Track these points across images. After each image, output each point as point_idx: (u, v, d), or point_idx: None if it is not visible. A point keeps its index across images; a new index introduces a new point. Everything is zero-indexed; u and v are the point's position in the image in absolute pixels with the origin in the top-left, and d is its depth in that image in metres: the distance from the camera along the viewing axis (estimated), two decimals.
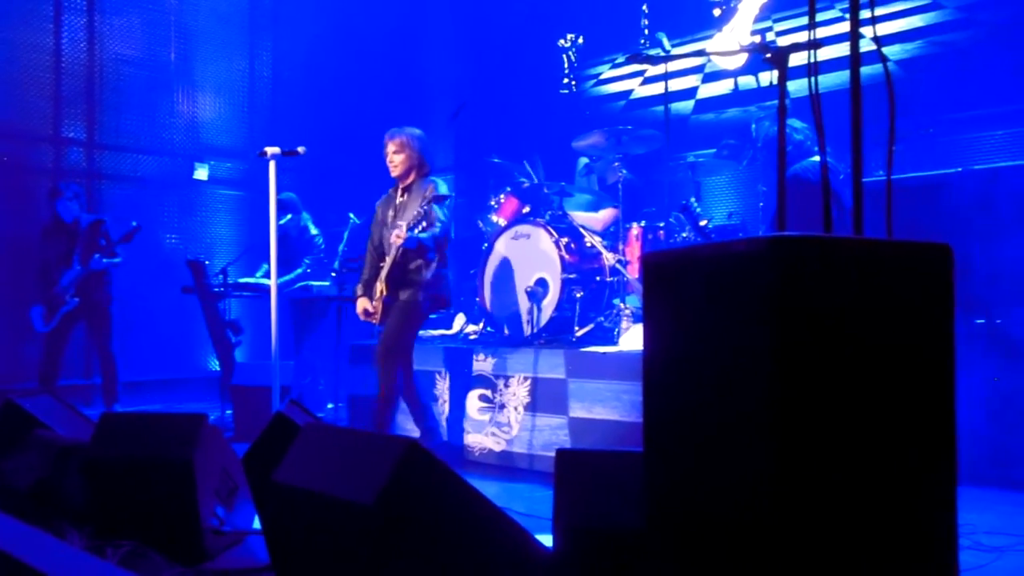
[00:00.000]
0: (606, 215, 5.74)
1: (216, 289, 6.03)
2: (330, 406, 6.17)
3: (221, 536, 3.05)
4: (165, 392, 7.34)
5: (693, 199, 4.93)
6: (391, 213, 4.58)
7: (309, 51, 8.42)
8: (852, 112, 1.75)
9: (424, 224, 4.34)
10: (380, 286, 4.46)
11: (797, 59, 2.18)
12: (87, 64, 7.45)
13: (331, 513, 2.28)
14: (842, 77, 1.97)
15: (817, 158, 4.20)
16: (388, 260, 4.41)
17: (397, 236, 4.26)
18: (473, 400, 4.87)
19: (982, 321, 4.19)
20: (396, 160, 4.53)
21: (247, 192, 8.26)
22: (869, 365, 1.42)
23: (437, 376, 5.04)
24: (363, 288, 4.63)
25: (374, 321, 4.57)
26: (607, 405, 4.30)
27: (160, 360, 7.52)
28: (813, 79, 1.82)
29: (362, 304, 4.59)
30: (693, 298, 1.53)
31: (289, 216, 6.08)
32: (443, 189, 4.45)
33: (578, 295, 4.94)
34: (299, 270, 6.01)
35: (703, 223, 4.99)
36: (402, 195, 4.58)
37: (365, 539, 2.15)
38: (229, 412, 5.73)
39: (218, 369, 6.34)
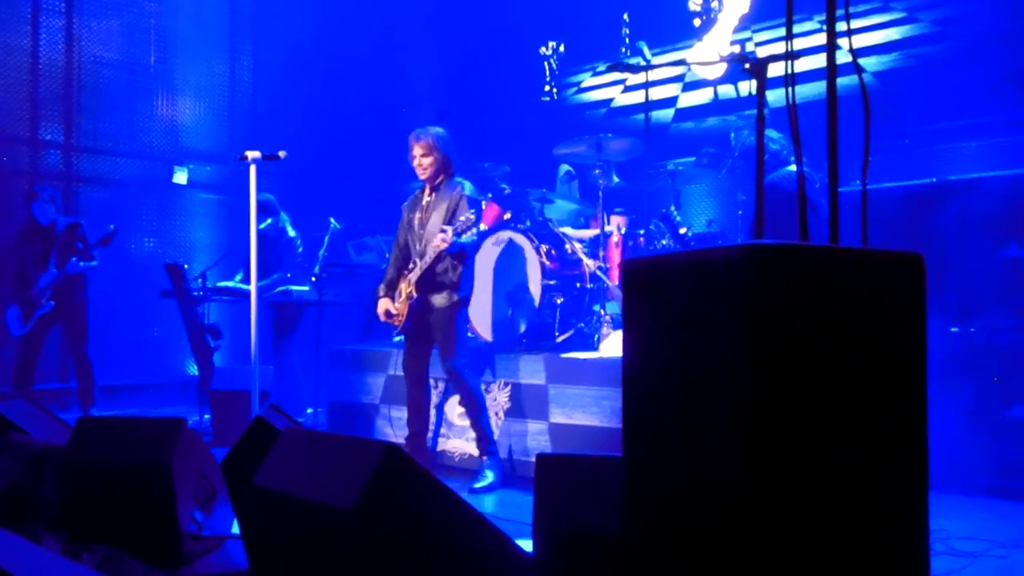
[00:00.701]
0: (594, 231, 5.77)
1: (195, 293, 5.99)
2: (310, 411, 6.14)
3: (199, 541, 3.03)
4: (143, 396, 7.28)
5: (673, 207, 4.98)
6: (418, 215, 4.56)
7: (290, 55, 8.40)
8: (828, 122, 1.78)
9: (467, 229, 4.31)
10: (408, 288, 4.44)
11: (776, 69, 2.22)
12: (65, 66, 7.40)
13: (310, 517, 2.27)
14: (820, 88, 2.01)
15: (793, 167, 4.25)
16: (421, 263, 4.39)
17: (443, 240, 4.23)
18: (453, 405, 4.87)
19: (956, 329, 4.26)
20: (425, 163, 4.49)
21: (227, 196, 8.22)
22: (843, 372, 1.44)
23: None
24: (385, 289, 4.61)
25: (396, 323, 4.54)
26: (587, 411, 4.32)
27: (138, 364, 7.46)
28: (790, 89, 1.85)
29: (384, 305, 4.57)
30: (671, 305, 1.55)
31: (269, 220, 6.05)
32: (470, 190, 4.49)
33: (559, 301, 4.96)
34: (276, 276, 5.99)
35: (683, 231, 5.03)
36: (429, 196, 4.55)
37: (344, 543, 2.15)
38: (208, 417, 5.69)
39: (197, 373, 6.30)
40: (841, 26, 1.92)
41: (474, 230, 4.34)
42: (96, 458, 2.99)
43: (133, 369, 7.36)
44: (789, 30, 1.86)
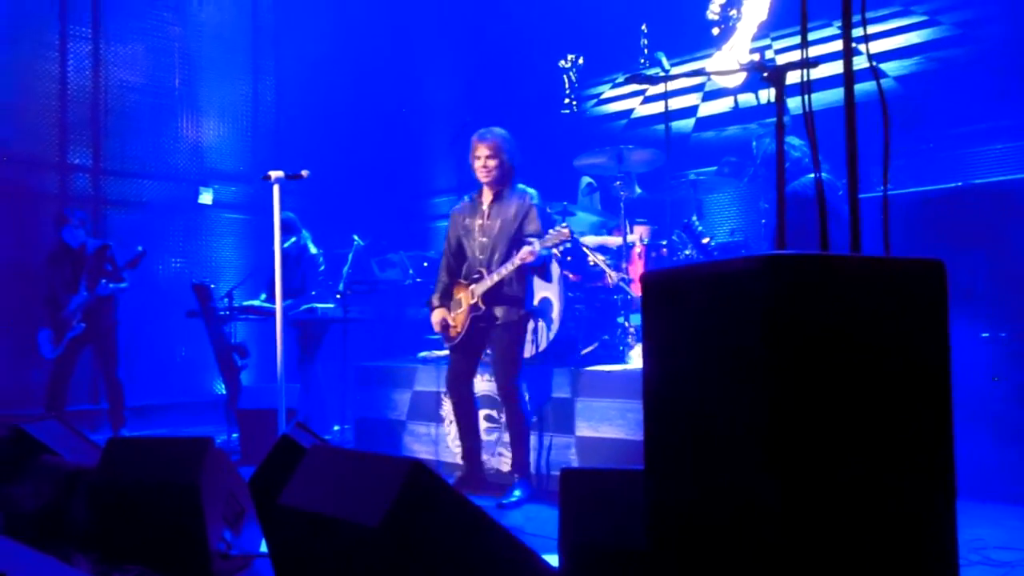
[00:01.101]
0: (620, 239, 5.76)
1: (221, 312, 6.05)
2: (337, 428, 6.17)
3: (228, 560, 3.05)
4: (171, 416, 7.35)
5: (695, 217, 4.96)
6: (479, 221, 4.37)
7: (311, 74, 8.49)
8: (847, 129, 1.77)
9: (559, 244, 4.18)
10: (470, 299, 4.28)
11: (795, 76, 2.21)
12: (92, 91, 7.53)
13: (337, 536, 2.28)
14: (841, 94, 1.99)
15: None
16: (495, 273, 4.21)
17: (531, 253, 4.05)
18: (480, 420, 4.86)
19: (987, 335, 4.19)
20: (491, 165, 4.28)
21: (252, 215, 8.31)
22: (866, 381, 1.43)
23: (443, 397, 5.04)
24: (440, 298, 4.44)
25: (452, 335, 4.38)
26: (614, 423, 4.30)
27: (166, 384, 7.54)
28: (807, 97, 1.84)
29: (440, 315, 4.40)
30: (691, 316, 1.54)
31: (293, 239, 6.11)
32: (539, 200, 4.34)
33: (582, 314, 4.95)
34: (299, 298, 6.02)
35: (705, 240, 5.00)
36: (493, 201, 4.36)
37: (371, 562, 2.16)
38: (236, 435, 5.74)
39: (224, 393, 6.35)
40: (859, 31, 1.91)
41: (563, 246, 4.26)
42: (126, 479, 3.03)
43: (162, 389, 7.45)
44: (804, 37, 1.86)
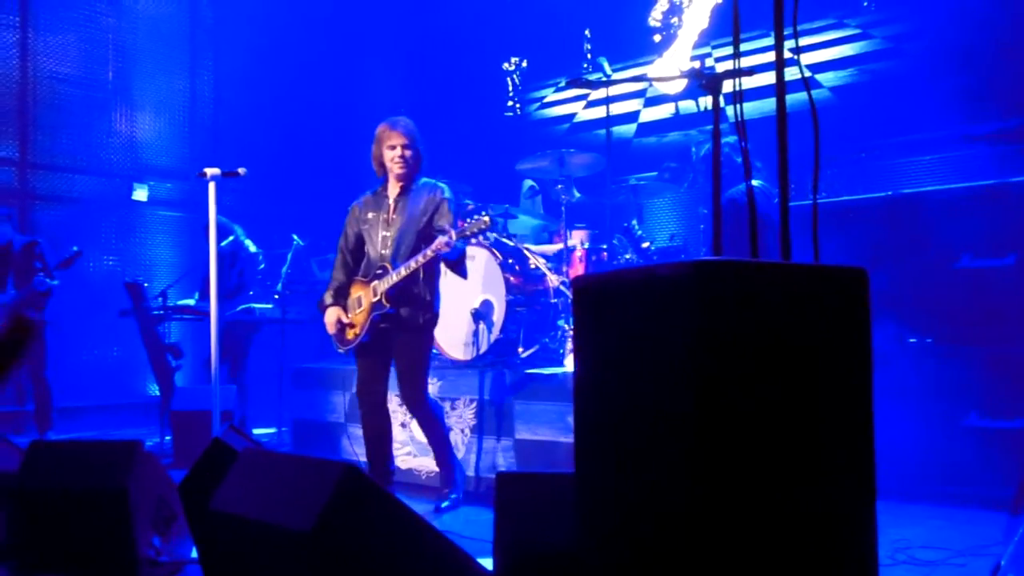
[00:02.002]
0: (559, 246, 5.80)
1: (155, 312, 5.91)
2: (273, 430, 6.07)
3: (157, 567, 2.97)
4: (103, 418, 7.15)
5: (635, 221, 5.01)
6: (383, 215, 4.02)
7: (251, 70, 8.35)
8: (779, 138, 1.81)
9: (478, 233, 3.87)
10: (371, 297, 3.89)
11: (733, 84, 2.25)
12: (20, 81, 7.28)
13: (268, 541, 2.24)
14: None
15: (756, 181, 4.29)
16: (405, 268, 3.83)
17: (446, 244, 3.69)
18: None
19: (914, 340, 4.32)
20: (407, 155, 3.96)
21: (188, 213, 8.13)
22: (789, 385, 1.46)
23: None
24: (334, 296, 4.07)
25: (350, 337, 4.00)
26: (553, 426, 4.32)
27: (97, 385, 7.33)
28: (738, 106, 1.88)
29: (335, 314, 4.02)
30: (620, 321, 1.56)
31: (231, 238, 6.00)
32: (451, 195, 4.04)
33: (523, 317, 4.97)
34: (238, 299, 5.91)
35: (645, 245, 5.06)
36: (400, 195, 4.02)
37: (303, 567, 2.12)
38: (169, 438, 5.60)
39: (157, 394, 6.20)
40: (800, 42, 1.95)
41: (482, 237, 3.98)
42: (49, 484, 2.93)
43: (92, 390, 7.23)
44: (736, 48, 1.89)
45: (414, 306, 3.93)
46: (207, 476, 2.75)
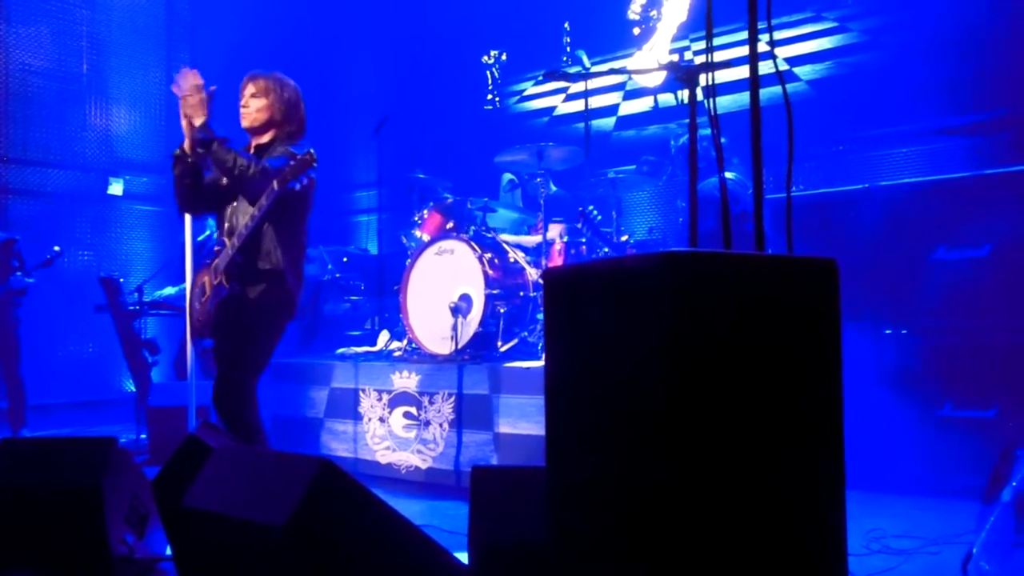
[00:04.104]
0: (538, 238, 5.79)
1: (131, 307, 5.86)
2: None
3: (131, 564, 2.94)
4: (78, 415, 7.08)
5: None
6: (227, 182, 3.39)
7: (228, 63, 8.25)
8: (752, 130, 1.81)
9: (300, 172, 3.14)
10: (215, 279, 3.35)
11: (718, 76, 2.25)
12: None
13: (242, 537, 2.22)
14: (760, 94, 2.02)
15: (731, 174, 4.31)
16: (231, 241, 3.30)
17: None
18: (398, 417, 4.82)
19: (889, 331, 4.36)
20: (252, 106, 3.42)
21: (164, 207, 8.05)
22: (759, 375, 1.47)
23: (361, 394, 4.99)
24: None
25: (203, 337, 3.50)
26: (532, 420, 4.31)
27: (73, 381, 7.26)
28: (711, 100, 1.88)
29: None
30: (591, 313, 1.56)
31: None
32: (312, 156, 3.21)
33: (502, 310, 4.96)
34: None
35: (624, 238, 5.06)
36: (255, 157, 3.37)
37: (277, 563, 2.11)
38: (144, 435, 5.56)
39: (133, 390, 6.15)
40: (775, 35, 1.95)
41: (307, 180, 3.16)
42: (20, 482, 2.88)
43: (67, 387, 7.16)
44: (709, 42, 1.89)
45: (263, 281, 3.33)
46: (181, 473, 2.72)
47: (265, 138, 3.47)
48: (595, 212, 4.90)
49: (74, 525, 2.82)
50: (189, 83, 3.25)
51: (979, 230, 4.16)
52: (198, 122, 3.22)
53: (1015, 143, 5.18)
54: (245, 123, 3.47)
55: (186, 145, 3.33)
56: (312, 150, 3.22)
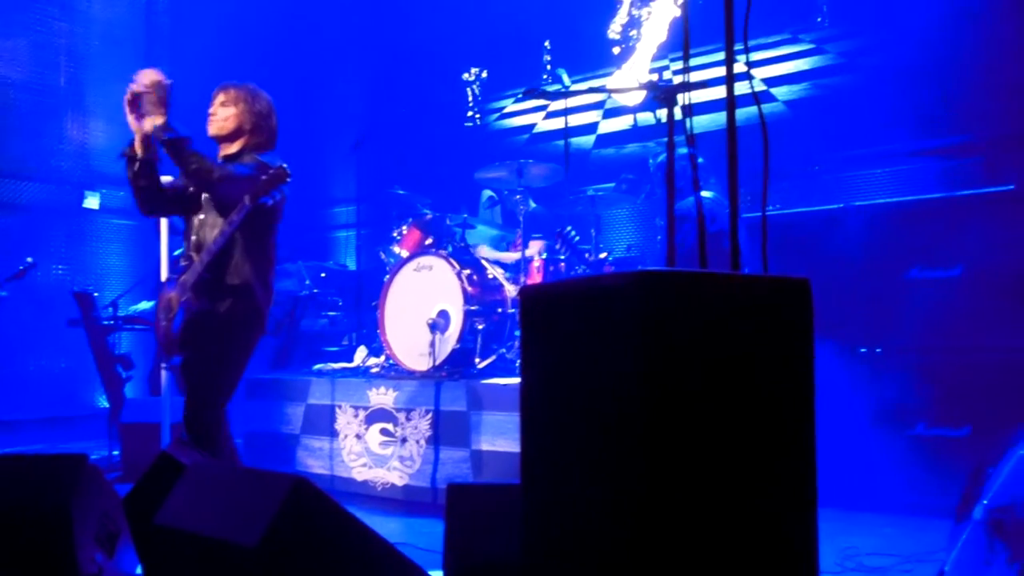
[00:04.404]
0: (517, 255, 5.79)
1: (105, 322, 5.79)
2: None
3: None
4: (50, 431, 6.97)
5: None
6: (205, 194, 3.32)
7: (207, 77, 8.21)
8: (728, 150, 1.83)
9: (272, 185, 3.10)
10: (182, 294, 3.24)
11: (696, 96, 2.27)
12: None
13: (215, 556, 2.19)
14: (736, 115, 2.05)
15: (708, 192, 4.35)
16: (199, 256, 3.23)
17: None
18: (375, 434, 4.79)
19: (864, 350, 4.39)
20: (220, 114, 3.37)
21: (140, 222, 7.97)
22: (732, 393, 1.47)
23: (337, 410, 4.95)
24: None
25: (167, 347, 3.34)
26: (509, 437, 4.30)
27: (45, 397, 7.15)
28: (688, 120, 1.89)
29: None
30: (566, 331, 1.56)
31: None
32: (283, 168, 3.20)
33: (480, 327, 4.95)
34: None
35: (603, 255, 5.08)
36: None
37: None
38: (117, 452, 5.48)
39: (107, 406, 6.07)
40: (752, 56, 1.98)
41: (280, 196, 3.16)
42: None
43: (39, 402, 7.05)
44: (686, 62, 1.91)
45: (230, 296, 3.24)
46: (153, 490, 2.69)
47: (233, 148, 3.41)
48: (573, 232, 4.92)
49: (42, 544, 2.77)
50: (149, 79, 3.18)
51: (951, 251, 4.22)
52: (159, 121, 3.15)
53: (987, 166, 5.27)
54: (212, 131, 3.40)
55: (136, 145, 3.26)
56: (285, 165, 3.19)
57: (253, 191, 3.10)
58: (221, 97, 3.43)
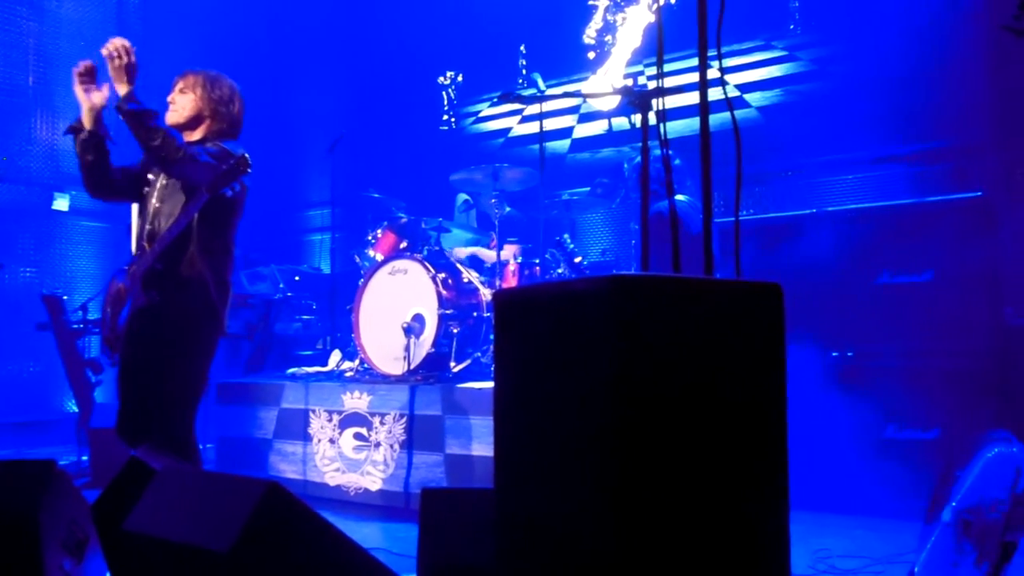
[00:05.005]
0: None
1: (75, 326, 5.71)
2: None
3: None
4: (17, 436, 6.86)
5: (567, 236, 5.02)
6: (161, 181, 3.17)
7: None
8: (702, 155, 1.84)
9: (232, 176, 3.00)
10: (130, 285, 3.08)
11: (670, 101, 2.28)
12: None
13: (185, 563, 2.17)
14: (711, 120, 2.06)
15: (682, 196, 4.37)
16: (151, 246, 3.07)
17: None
18: (348, 439, 4.76)
19: (836, 354, 4.44)
20: (179, 101, 3.24)
21: (111, 224, 7.89)
22: (704, 397, 1.48)
23: (311, 414, 4.92)
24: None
25: (112, 344, 3.19)
26: (483, 441, 4.29)
27: (12, 401, 7.04)
28: (662, 125, 1.91)
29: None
30: (539, 335, 1.56)
31: None
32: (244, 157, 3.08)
33: (455, 331, 4.94)
34: None
35: (577, 260, 5.10)
36: None
37: None
38: (86, 457, 5.40)
39: (76, 410, 5.98)
40: (725, 62, 1.99)
41: (239, 187, 3.06)
42: None
43: (7, 406, 6.94)
44: (660, 68, 1.92)
45: (182, 289, 3.08)
46: (123, 496, 2.65)
47: (195, 136, 3.26)
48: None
49: (9, 551, 2.72)
50: (115, 44, 3.04)
51: (921, 256, 4.28)
52: (123, 91, 2.98)
53: (956, 172, 5.35)
54: (170, 118, 3.25)
55: (84, 118, 3.13)
56: (246, 154, 3.08)
57: (212, 180, 2.97)
58: (180, 84, 3.31)
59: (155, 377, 3.07)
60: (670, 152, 4.38)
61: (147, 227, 3.15)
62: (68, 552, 2.90)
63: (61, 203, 7.63)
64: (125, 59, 3.02)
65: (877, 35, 5.59)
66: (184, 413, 3.15)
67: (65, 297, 5.81)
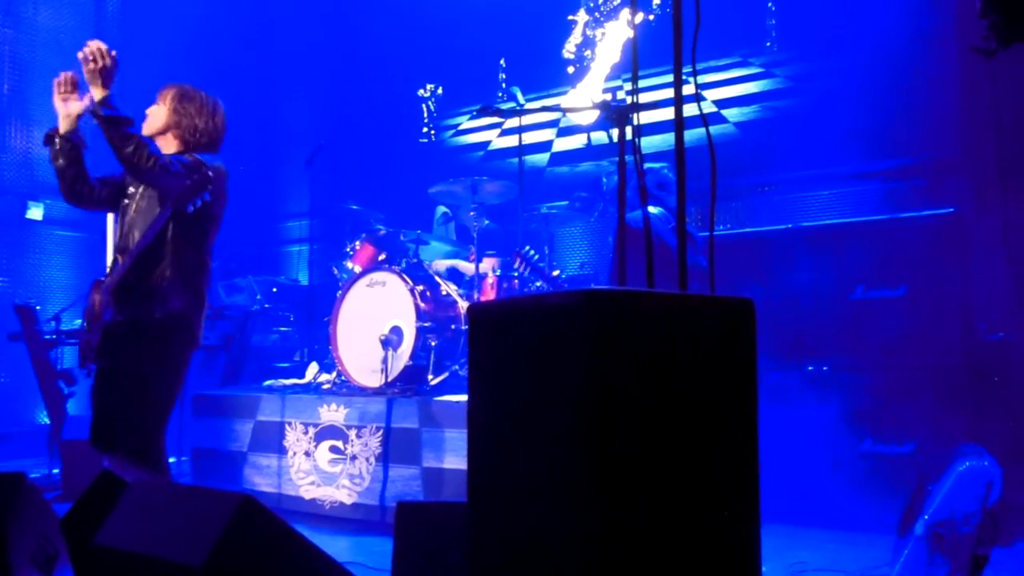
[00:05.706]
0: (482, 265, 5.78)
1: (47, 336, 5.64)
2: (172, 460, 5.84)
3: None
4: None
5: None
6: (135, 189, 3.16)
7: (156, 87, 8.11)
8: (677, 170, 1.85)
9: (197, 188, 2.95)
10: (104, 297, 3.04)
11: (643, 116, 2.30)
12: None
13: None
14: (690, 135, 2.08)
15: (655, 209, 4.38)
16: (122, 259, 3.04)
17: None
18: (324, 452, 4.73)
19: (811, 368, 4.48)
20: (152, 113, 3.24)
21: (86, 233, 7.81)
22: (678, 411, 1.49)
23: (287, 427, 4.88)
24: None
25: (87, 356, 3.11)
26: (461, 454, 4.28)
27: None
28: (637, 139, 1.92)
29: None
30: (514, 349, 1.57)
31: None
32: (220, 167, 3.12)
33: (433, 343, 4.93)
34: None
35: (556, 273, 5.11)
36: None
37: None
38: (57, 470, 5.33)
39: (47, 423, 5.90)
40: (703, 78, 2.01)
41: (201, 203, 2.96)
42: None
43: None
44: (635, 83, 1.94)
45: (149, 302, 3.03)
46: (94, 510, 2.62)
47: (169, 148, 3.22)
48: (532, 251, 4.94)
49: None
50: (92, 47, 2.97)
51: (896, 271, 4.33)
52: (99, 95, 2.93)
53: (929, 189, 5.43)
54: (144, 129, 3.21)
55: (60, 125, 3.09)
56: (222, 166, 3.08)
57: (178, 195, 2.94)
58: (158, 96, 3.31)
59: (126, 389, 3.03)
60: (664, 165, 4.40)
61: (120, 239, 3.13)
62: (37, 567, 2.85)
63: (35, 212, 7.55)
64: (101, 63, 2.95)
65: (852, 53, 5.67)
66: (154, 426, 3.12)
67: (38, 307, 5.74)
